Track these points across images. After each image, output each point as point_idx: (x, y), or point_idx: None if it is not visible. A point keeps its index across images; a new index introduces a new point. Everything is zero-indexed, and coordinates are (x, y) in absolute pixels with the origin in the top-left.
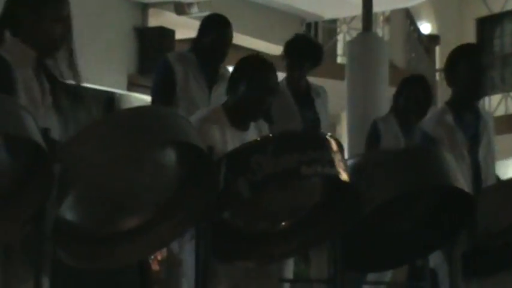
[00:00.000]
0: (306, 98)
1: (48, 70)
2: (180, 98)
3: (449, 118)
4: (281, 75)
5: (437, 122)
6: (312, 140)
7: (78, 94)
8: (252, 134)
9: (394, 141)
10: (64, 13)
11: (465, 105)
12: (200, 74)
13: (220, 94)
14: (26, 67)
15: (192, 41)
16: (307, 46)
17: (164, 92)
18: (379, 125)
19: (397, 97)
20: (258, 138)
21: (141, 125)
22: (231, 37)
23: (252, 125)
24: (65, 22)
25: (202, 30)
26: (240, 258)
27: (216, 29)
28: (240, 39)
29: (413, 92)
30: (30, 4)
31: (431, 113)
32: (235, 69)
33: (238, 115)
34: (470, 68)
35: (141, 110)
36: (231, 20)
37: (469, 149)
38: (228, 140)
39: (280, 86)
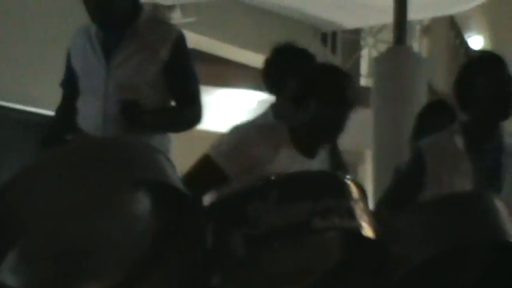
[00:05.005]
0: None
1: None
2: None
3: None
4: None
5: None
6: (328, 184)
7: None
8: (319, 163)
9: (460, 176)
10: None
11: None
12: (97, 42)
13: (123, 74)
14: None
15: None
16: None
17: (65, 86)
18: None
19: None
20: (257, 181)
21: (104, 162)
22: None
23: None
24: None
25: None
26: None
27: None
28: (234, 53)
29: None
30: None
31: None
32: (303, 82)
33: (305, 137)
34: None
35: (103, 141)
36: (224, 28)
37: None
38: (290, 167)
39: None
